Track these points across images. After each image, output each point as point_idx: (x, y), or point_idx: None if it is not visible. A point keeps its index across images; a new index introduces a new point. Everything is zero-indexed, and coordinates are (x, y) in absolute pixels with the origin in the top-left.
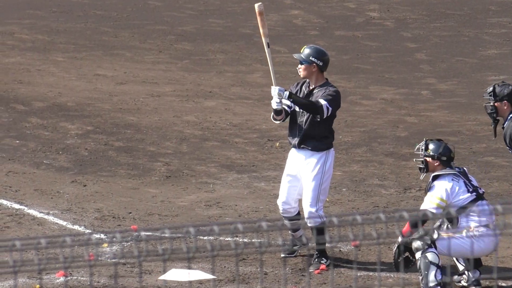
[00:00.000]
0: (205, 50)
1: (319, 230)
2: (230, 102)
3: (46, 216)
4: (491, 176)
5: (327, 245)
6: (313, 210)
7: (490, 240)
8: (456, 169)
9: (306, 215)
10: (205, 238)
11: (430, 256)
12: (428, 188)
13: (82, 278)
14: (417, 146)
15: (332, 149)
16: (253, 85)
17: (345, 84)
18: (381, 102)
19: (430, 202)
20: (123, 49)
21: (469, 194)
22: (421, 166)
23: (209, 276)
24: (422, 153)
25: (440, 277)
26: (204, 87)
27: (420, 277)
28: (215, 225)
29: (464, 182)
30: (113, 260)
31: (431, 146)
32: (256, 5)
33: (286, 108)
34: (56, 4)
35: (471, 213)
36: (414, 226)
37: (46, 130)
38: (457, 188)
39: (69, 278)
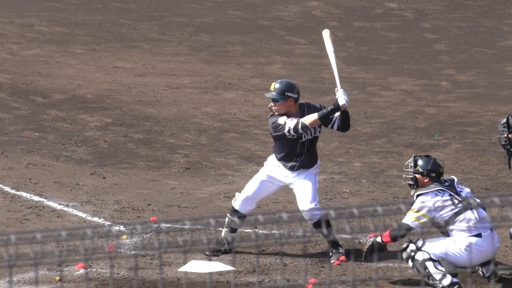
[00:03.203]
0: (224, 42)
1: (327, 222)
2: (249, 93)
3: (65, 208)
4: None
5: (347, 236)
6: (313, 205)
7: (485, 250)
8: (445, 183)
9: (307, 212)
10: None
11: (419, 256)
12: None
13: (102, 270)
14: (406, 163)
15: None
16: (272, 77)
17: (364, 75)
18: (400, 93)
19: (410, 217)
20: (142, 41)
21: (454, 207)
22: (410, 183)
23: (229, 268)
24: (411, 170)
25: (440, 266)
26: (223, 78)
27: (426, 278)
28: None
29: (450, 195)
30: (133, 252)
31: (419, 163)
32: (326, 32)
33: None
34: None
35: (460, 222)
36: (394, 239)
37: (65, 122)
38: (440, 202)
39: (89, 270)
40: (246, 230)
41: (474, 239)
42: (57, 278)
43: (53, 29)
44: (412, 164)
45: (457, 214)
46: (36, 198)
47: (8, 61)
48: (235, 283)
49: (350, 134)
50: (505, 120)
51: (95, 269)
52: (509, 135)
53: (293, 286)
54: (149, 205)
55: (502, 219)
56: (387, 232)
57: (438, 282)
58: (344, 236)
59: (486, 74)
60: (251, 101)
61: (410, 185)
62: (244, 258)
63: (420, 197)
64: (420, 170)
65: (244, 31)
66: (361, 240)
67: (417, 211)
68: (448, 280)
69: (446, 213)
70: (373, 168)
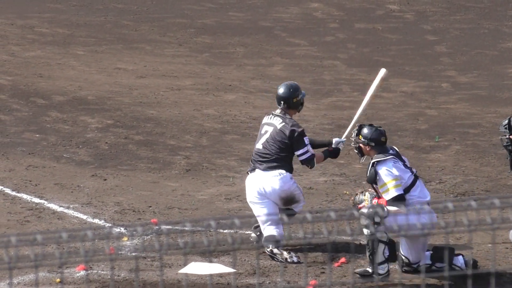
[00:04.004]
0: (225, 44)
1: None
2: (250, 95)
3: (66, 210)
4: None
5: (348, 238)
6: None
7: (431, 216)
8: (391, 151)
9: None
10: (226, 231)
11: (378, 234)
12: (373, 178)
13: (102, 272)
14: (352, 132)
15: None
16: (273, 78)
17: (365, 77)
18: (401, 95)
19: (393, 189)
20: (143, 43)
21: (410, 173)
22: (356, 151)
23: (229, 270)
24: (354, 138)
25: (387, 253)
26: (224, 80)
27: (368, 253)
28: (236, 218)
29: (404, 163)
30: (134, 254)
31: (363, 132)
32: (383, 72)
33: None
34: None
35: (414, 192)
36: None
37: (66, 124)
38: (401, 170)
39: (89, 272)
40: (247, 232)
41: (426, 206)
42: (58, 280)
43: (54, 31)
44: (356, 133)
45: (414, 182)
46: (37, 200)
47: (9, 63)
48: (235, 284)
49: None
50: (506, 121)
51: (95, 271)
52: (511, 136)
53: None
54: (150, 207)
55: (503, 220)
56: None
57: (376, 265)
58: (344, 237)
59: (487, 76)
60: (251, 102)
61: (357, 153)
62: (244, 260)
63: (381, 170)
64: (362, 139)
65: (245, 33)
66: (362, 242)
67: (394, 179)
68: (385, 269)
69: (406, 181)
70: None
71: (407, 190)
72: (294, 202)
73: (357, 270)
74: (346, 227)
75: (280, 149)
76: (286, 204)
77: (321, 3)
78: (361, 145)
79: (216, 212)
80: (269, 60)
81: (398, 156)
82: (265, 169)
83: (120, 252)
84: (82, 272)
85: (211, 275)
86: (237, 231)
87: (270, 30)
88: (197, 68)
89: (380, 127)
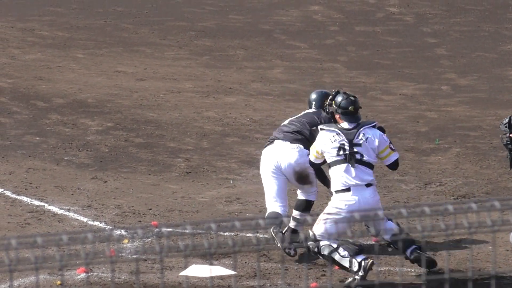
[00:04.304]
0: (225, 46)
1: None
2: (250, 98)
3: (66, 213)
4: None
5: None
6: None
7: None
8: (352, 125)
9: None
10: (226, 234)
11: (324, 249)
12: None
13: (103, 274)
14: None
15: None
16: (273, 81)
17: (365, 80)
18: (401, 98)
19: (313, 155)
20: (143, 46)
21: (336, 154)
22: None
23: (230, 272)
24: (328, 102)
25: (343, 251)
26: (224, 83)
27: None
28: (236, 221)
29: (343, 141)
30: (134, 256)
31: (336, 99)
32: None
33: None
34: (76, 1)
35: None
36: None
37: (66, 127)
38: (330, 143)
39: (90, 274)
40: (248, 235)
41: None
42: (58, 282)
43: (54, 34)
44: (330, 98)
45: (340, 163)
46: (37, 203)
47: (9, 66)
48: (236, 287)
49: None
50: (507, 120)
51: (96, 273)
52: (511, 135)
53: None
54: (150, 209)
55: (503, 223)
56: None
57: (351, 269)
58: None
59: (487, 79)
60: (252, 105)
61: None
62: (245, 262)
63: (320, 133)
64: (334, 106)
65: (246, 36)
66: (362, 244)
67: (316, 148)
68: (355, 263)
69: (328, 155)
70: (374, 172)
71: (332, 164)
72: (308, 183)
73: (346, 283)
74: (347, 230)
75: (304, 127)
76: (299, 181)
77: (321, 6)
78: (333, 111)
79: (217, 215)
80: (269, 63)
81: (346, 133)
82: (284, 139)
83: (120, 255)
84: (83, 275)
85: (212, 278)
86: (237, 234)
87: (270, 33)
88: (197, 71)
89: (354, 96)
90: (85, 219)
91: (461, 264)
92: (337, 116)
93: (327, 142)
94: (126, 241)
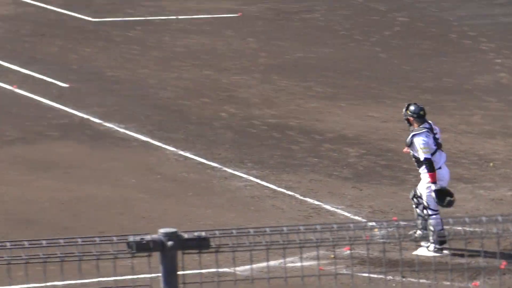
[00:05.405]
0: None
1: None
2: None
3: (336, 210)
4: None
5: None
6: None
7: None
8: (426, 124)
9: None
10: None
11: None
12: (409, 143)
13: (361, 252)
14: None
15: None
16: None
17: None
18: None
19: (422, 153)
20: (385, 99)
21: (435, 144)
22: (406, 122)
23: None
24: (404, 112)
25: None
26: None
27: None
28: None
29: (433, 135)
30: (382, 240)
31: (410, 108)
32: None
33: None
34: (338, 71)
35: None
36: (431, 170)
37: (334, 152)
38: (428, 139)
39: (353, 251)
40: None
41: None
42: (332, 256)
43: (326, 90)
44: (405, 108)
45: (435, 152)
46: (316, 203)
47: (296, 111)
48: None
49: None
50: None
51: (356, 251)
52: None
53: None
54: (392, 209)
55: None
56: (430, 176)
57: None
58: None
59: None
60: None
61: (407, 124)
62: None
63: (416, 138)
64: (409, 113)
65: None
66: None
67: (425, 148)
68: (431, 245)
69: (432, 148)
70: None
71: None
72: None
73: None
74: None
75: None
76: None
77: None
78: (409, 117)
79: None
80: None
81: (431, 129)
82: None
83: (372, 239)
84: (348, 252)
85: (434, 257)
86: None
87: None
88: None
89: (421, 105)
90: (348, 215)
91: None
92: (411, 119)
93: (430, 140)
94: (376, 230)
